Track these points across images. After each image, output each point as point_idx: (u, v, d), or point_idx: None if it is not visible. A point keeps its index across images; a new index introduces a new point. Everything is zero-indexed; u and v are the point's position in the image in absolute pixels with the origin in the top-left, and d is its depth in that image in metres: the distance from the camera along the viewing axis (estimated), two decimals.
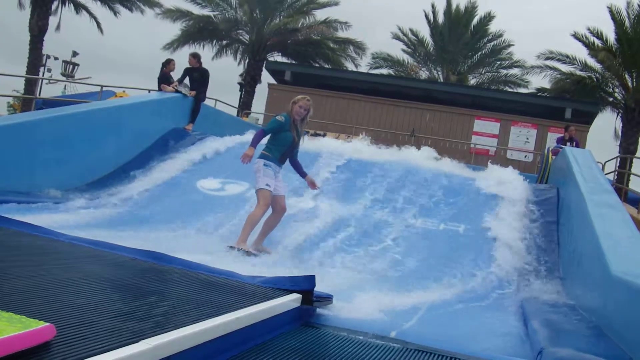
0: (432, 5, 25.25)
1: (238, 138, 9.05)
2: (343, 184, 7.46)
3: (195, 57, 10.20)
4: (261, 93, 29.68)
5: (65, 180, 7.08)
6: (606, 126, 27.45)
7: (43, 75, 23.93)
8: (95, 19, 22.88)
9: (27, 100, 17.71)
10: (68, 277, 2.80)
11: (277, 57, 24.10)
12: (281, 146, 5.65)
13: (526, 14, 70.86)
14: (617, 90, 20.05)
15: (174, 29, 23.34)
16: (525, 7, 72.52)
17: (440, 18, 25.40)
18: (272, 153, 5.63)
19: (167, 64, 10.54)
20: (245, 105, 22.50)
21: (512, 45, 25.06)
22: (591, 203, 5.19)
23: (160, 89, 10.24)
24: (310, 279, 3.29)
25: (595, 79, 20.20)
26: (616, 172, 15.21)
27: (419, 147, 9.05)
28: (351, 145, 8.69)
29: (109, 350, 1.77)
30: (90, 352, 1.74)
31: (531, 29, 66.10)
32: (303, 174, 6.02)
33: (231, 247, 5.26)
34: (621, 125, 19.77)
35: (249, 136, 9.19)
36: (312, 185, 6.03)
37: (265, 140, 5.76)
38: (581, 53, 21.04)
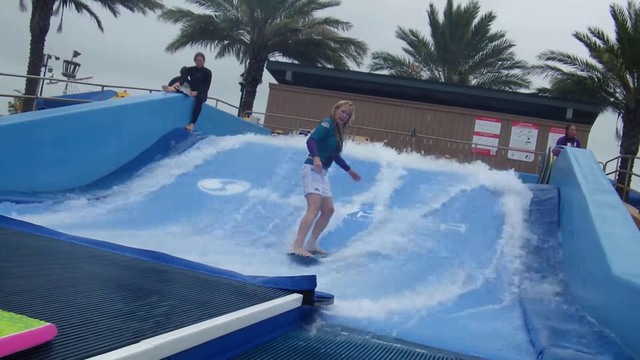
0: (431, 6, 25.27)
1: (239, 138, 9.05)
2: (342, 183, 7.46)
3: (203, 57, 10.36)
4: (262, 93, 29.70)
5: (66, 180, 7.09)
6: (607, 126, 27.46)
7: (44, 75, 23.95)
8: (96, 18, 22.90)
9: (29, 100, 17.71)
10: (69, 277, 2.80)
11: (278, 57, 24.12)
12: (327, 151, 5.76)
13: (527, 14, 70.84)
14: (618, 90, 20.03)
15: (177, 28, 23.40)
16: (527, 7, 72.50)
17: (441, 18, 25.40)
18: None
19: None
20: (246, 105, 22.51)
21: (514, 45, 25.06)
22: (592, 203, 5.18)
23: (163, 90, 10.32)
24: (311, 279, 3.29)
25: (596, 79, 20.19)
26: (617, 173, 15.20)
27: (419, 148, 9.06)
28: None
29: (110, 350, 1.77)
30: (91, 351, 1.74)
31: (532, 29, 66.09)
32: (346, 167, 6.13)
33: (291, 254, 5.34)
34: (622, 125, 19.75)
35: (249, 136, 9.23)
36: (355, 177, 6.14)
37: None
38: (582, 53, 21.01)
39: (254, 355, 2.50)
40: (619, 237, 4.30)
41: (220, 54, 24.25)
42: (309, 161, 5.69)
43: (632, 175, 14.29)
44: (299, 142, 8.78)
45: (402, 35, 25.61)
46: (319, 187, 5.62)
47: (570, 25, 46.57)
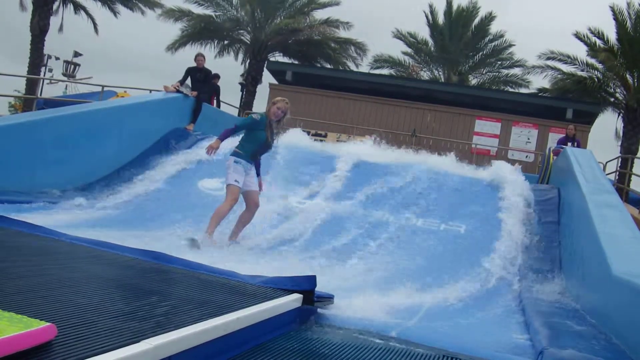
0: (430, 6, 25.28)
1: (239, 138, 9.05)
2: (341, 183, 7.46)
3: (203, 57, 10.43)
4: (262, 93, 29.71)
5: (66, 180, 7.09)
6: (607, 126, 27.42)
7: (44, 75, 23.93)
8: (93, 19, 22.87)
9: (29, 101, 17.70)
10: (69, 277, 2.80)
11: (279, 57, 24.10)
12: (253, 144, 5.74)
13: (527, 14, 70.88)
14: (618, 90, 20.01)
15: (177, 28, 23.38)
16: (526, 7, 72.55)
17: (440, 18, 25.41)
18: (243, 150, 5.73)
19: (214, 77, 12.17)
20: (246, 105, 22.50)
21: (513, 45, 25.04)
22: (592, 203, 5.19)
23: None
24: (311, 279, 3.29)
25: (596, 79, 20.17)
26: (617, 173, 15.21)
27: (420, 148, 9.07)
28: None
29: (110, 350, 1.77)
30: (91, 352, 1.74)
31: (532, 29, 66.10)
32: (258, 173, 6.06)
33: (191, 238, 5.31)
34: (622, 125, 19.75)
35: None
36: (259, 186, 6.06)
37: (239, 137, 5.90)
38: (582, 53, 20.97)
39: (254, 356, 2.50)
40: (619, 237, 4.30)
41: (220, 53, 24.24)
42: (234, 153, 5.73)
43: (632, 175, 14.29)
44: (299, 141, 8.81)
45: (400, 36, 25.59)
46: (239, 180, 5.61)
47: (570, 25, 46.52)
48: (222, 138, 5.71)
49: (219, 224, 5.55)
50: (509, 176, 7.56)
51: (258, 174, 6.03)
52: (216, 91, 12.67)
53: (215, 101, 12.80)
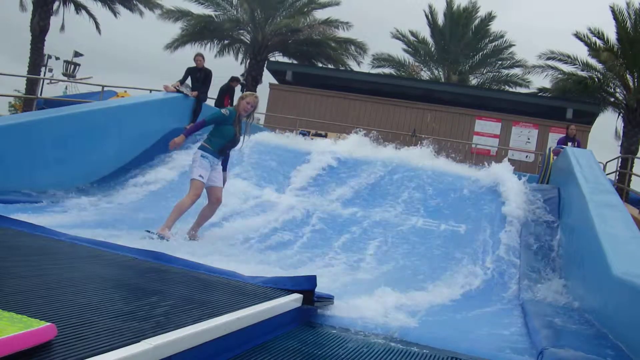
0: (430, 7, 25.30)
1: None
2: (341, 182, 7.47)
3: (202, 57, 10.42)
4: (262, 93, 29.67)
5: (66, 180, 7.09)
6: (607, 126, 27.43)
7: (44, 75, 23.92)
8: (94, 19, 22.88)
9: (29, 100, 17.69)
10: (69, 277, 2.80)
11: (279, 57, 24.10)
12: (221, 139, 5.70)
13: (527, 14, 70.88)
14: (618, 90, 20.00)
15: (177, 28, 23.39)
16: (527, 7, 72.56)
17: (440, 18, 25.41)
18: (211, 145, 5.68)
19: (233, 81, 12.37)
20: None
21: (514, 45, 25.02)
22: (592, 203, 5.19)
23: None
24: (311, 279, 3.29)
25: (596, 79, 20.16)
26: (617, 173, 15.20)
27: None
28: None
29: (110, 350, 1.77)
30: (92, 351, 1.74)
31: (532, 29, 66.09)
32: (224, 167, 5.99)
33: (148, 231, 5.25)
34: (622, 125, 19.74)
35: (255, 136, 9.22)
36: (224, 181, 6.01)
37: (208, 131, 5.85)
38: (582, 53, 20.93)
39: (254, 355, 2.50)
40: (619, 237, 4.30)
41: (220, 53, 24.24)
42: (201, 147, 5.68)
43: (632, 175, 14.29)
44: (300, 142, 8.83)
45: (399, 36, 25.58)
46: (203, 175, 5.55)
47: (571, 25, 46.52)
48: (188, 133, 5.73)
49: (178, 219, 5.47)
50: (508, 177, 7.56)
51: (225, 169, 5.96)
52: (230, 93, 12.46)
53: (228, 103, 12.62)
